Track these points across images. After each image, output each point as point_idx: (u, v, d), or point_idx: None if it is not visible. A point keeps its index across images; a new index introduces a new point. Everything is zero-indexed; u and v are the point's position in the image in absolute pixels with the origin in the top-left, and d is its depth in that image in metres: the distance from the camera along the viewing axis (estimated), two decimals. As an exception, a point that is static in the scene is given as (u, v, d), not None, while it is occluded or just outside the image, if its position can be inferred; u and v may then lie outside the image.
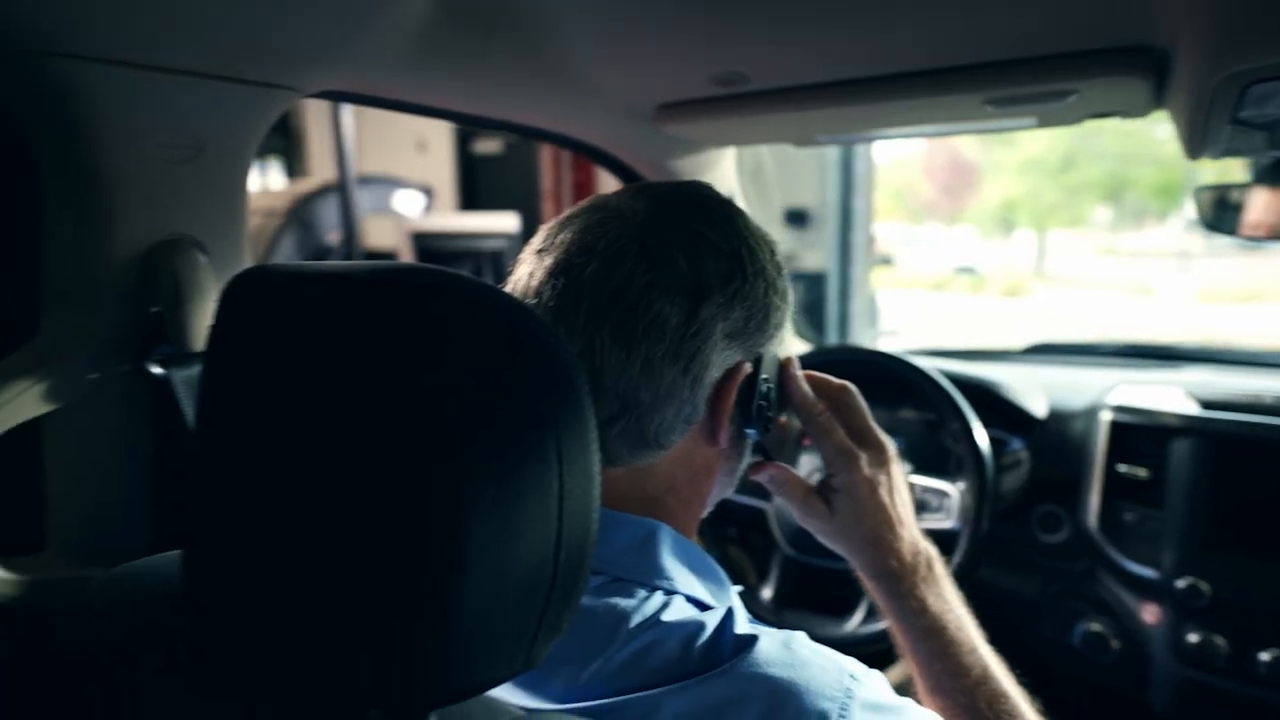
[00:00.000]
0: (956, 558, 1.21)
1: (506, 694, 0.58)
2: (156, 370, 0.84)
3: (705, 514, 0.72)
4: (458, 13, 0.82)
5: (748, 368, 0.65)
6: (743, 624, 0.59)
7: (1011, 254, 19.37)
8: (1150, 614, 1.30)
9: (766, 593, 1.41)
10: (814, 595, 1.38)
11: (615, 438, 0.61)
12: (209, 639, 0.49)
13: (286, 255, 3.76)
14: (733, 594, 0.68)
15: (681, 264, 0.61)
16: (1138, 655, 1.31)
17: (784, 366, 0.73)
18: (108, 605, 0.58)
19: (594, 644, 0.58)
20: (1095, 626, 1.35)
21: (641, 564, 0.62)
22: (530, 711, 0.51)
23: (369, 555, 0.39)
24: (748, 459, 0.73)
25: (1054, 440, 1.46)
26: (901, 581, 0.75)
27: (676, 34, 0.88)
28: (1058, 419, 1.48)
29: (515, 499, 0.40)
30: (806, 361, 1.43)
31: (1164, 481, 1.32)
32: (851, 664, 0.59)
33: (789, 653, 0.57)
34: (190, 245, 0.85)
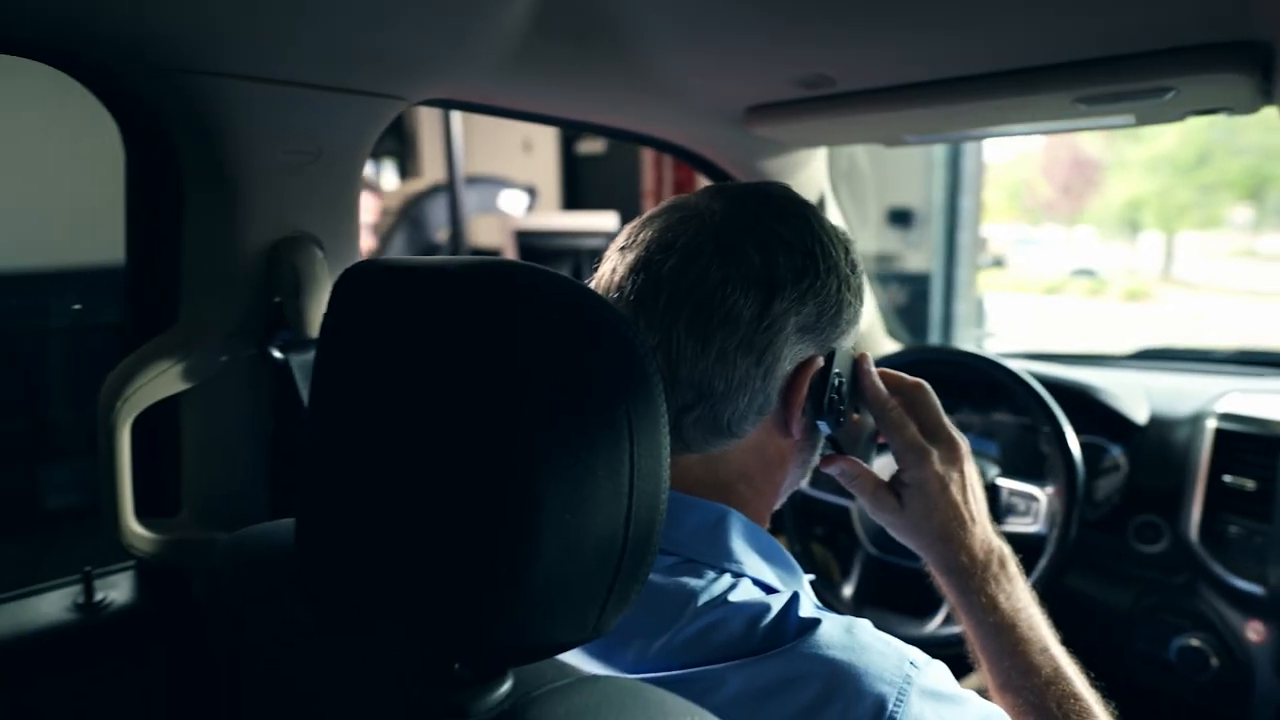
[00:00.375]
0: (1042, 563, 1.19)
1: (581, 662, 0.62)
2: (277, 355, 0.93)
3: (779, 505, 0.74)
4: (552, 24, 0.87)
5: (820, 361, 0.67)
6: (808, 608, 0.61)
7: (1136, 257, 18.30)
8: (1254, 632, 1.24)
9: (847, 590, 1.42)
10: (895, 595, 1.37)
11: (691, 425, 0.64)
12: (318, 596, 0.55)
13: (397, 251, 3.94)
14: (803, 581, 0.70)
15: (755, 260, 0.63)
16: (1239, 674, 1.25)
17: (858, 362, 0.74)
18: (231, 564, 0.65)
19: (663, 619, 0.61)
20: (1194, 642, 1.30)
21: (712, 547, 0.65)
22: (600, 677, 0.55)
23: (456, 522, 0.44)
24: (820, 452, 0.75)
25: (1155, 448, 1.41)
26: (972, 578, 0.75)
27: (761, 39, 0.91)
28: (1160, 426, 1.43)
29: (588, 476, 0.43)
30: (897, 360, 1.44)
31: (1273, 494, 1.26)
32: (914, 652, 0.60)
33: (850, 637, 0.59)
34: (308, 241, 0.93)
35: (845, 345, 0.70)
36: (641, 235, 0.67)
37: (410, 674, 0.48)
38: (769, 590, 0.64)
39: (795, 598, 0.61)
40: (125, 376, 0.86)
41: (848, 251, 0.69)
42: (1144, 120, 1.03)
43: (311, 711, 0.54)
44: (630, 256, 0.66)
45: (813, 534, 1.58)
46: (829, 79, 1.00)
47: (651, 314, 0.63)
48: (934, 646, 1.18)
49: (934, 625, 1.27)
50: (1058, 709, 0.72)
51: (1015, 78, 0.93)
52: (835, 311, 0.66)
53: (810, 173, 1.45)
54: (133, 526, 0.89)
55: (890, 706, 0.56)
